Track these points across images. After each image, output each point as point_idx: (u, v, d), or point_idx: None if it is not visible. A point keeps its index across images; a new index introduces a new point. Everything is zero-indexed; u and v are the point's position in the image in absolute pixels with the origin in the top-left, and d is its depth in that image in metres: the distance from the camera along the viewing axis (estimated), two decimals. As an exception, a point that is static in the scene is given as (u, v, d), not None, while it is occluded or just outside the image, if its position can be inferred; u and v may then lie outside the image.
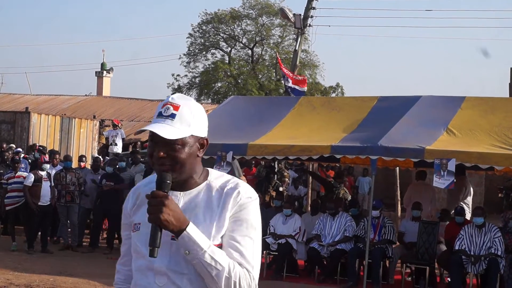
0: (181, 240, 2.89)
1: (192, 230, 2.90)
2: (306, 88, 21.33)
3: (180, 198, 3.06)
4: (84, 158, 17.57)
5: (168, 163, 3.00)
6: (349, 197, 16.67)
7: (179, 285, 2.98)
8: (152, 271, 3.02)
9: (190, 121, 3.05)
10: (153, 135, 2.99)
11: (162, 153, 2.99)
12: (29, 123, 23.48)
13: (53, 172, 16.00)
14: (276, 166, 18.20)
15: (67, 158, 16.86)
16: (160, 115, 3.03)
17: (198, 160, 3.10)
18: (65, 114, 28.53)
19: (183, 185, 3.08)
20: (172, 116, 3.02)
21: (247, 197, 3.04)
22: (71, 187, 15.94)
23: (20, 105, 33.19)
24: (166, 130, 2.98)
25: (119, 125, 25.45)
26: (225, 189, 3.06)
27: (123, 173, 16.54)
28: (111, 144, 24.11)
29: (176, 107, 3.04)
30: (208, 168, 3.19)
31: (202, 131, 3.10)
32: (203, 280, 2.96)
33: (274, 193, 18.26)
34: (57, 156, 17.59)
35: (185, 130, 3.02)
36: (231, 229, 3.01)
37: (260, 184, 18.56)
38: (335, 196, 15.58)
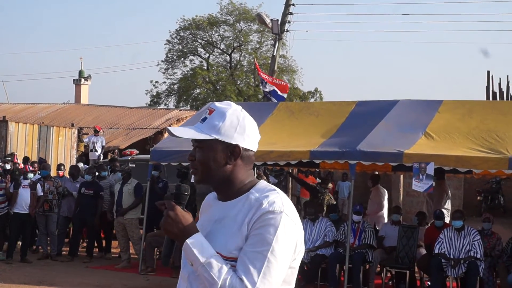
0: (183, 250, 2.92)
1: (194, 241, 2.89)
2: (286, 94, 21.30)
3: (220, 208, 3.06)
4: (62, 167, 17.48)
5: (195, 167, 3.04)
6: (334, 202, 16.70)
7: None
8: (182, 279, 3.07)
9: (219, 125, 3.01)
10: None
11: (190, 156, 3.05)
12: (6, 132, 23.29)
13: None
14: (254, 172, 18.16)
15: (45, 167, 16.76)
16: (204, 119, 3.05)
17: (231, 169, 3.04)
18: (43, 123, 28.33)
19: (224, 195, 3.06)
20: (204, 119, 3.04)
21: (269, 211, 2.88)
22: (49, 195, 15.84)
23: (-3, 114, 32.92)
24: (184, 131, 3.02)
25: (101, 131, 25.34)
26: (254, 201, 2.95)
27: (102, 181, 16.47)
28: (91, 150, 24.01)
29: (211, 111, 3.05)
30: (260, 180, 3.12)
31: (234, 138, 3.03)
32: None
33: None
34: (35, 165, 17.50)
35: (208, 132, 3.00)
36: (247, 242, 2.88)
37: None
38: (320, 201, 15.64)
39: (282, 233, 2.85)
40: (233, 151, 3.03)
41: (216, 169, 3.01)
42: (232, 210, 2.97)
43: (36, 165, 17.70)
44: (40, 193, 15.48)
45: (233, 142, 3.03)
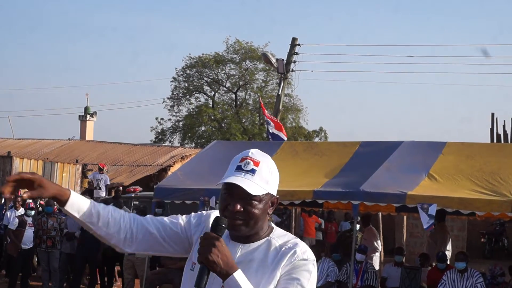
0: (226, 285, 2.92)
1: (239, 276, 2.94)
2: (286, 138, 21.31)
3: (239, 249, 3.12)
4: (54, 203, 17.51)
5: (242, 217, 3.06)
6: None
7: None
8: None
9: (268, 178, 3.13)
10: (231, 188, 3.06)
11: (239, 207, 3.05)
12: (11, 167, 23.39)
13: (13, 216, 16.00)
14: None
15: (48, 203, 16.77)
16: (239, 168, 3.10)
17: (266, 217, 3.16)
18: (47, 158, 28.45)
19: (246, 238, 3.13)
20: (253, 171, 3.10)
21: (302, 258, 3.06)
22: (52, 232, 15.86)
23: (3, 149, 33.04)
24: (249, 185, 3.05)
25: (105, 169, 25.38)
26: (283, 248, 3.08)
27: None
28: (95, 188, 24.02)
29: (257, 163, 3.13)
30: (274, 226, 3.23)
31: (275, 190, 3.17)
32: None
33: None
34: (19, 199, 17.40)
35: (264, 187, 3.09)
36: (282, 285, 3.02)
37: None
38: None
39: (313, 279, 3.06)
40: (274, 203, 3.18)
41: (263, 220, 3.13)
42: (258, 253, 3.08)
43: (19, 199, 17.64)
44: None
45: (275, 194, 3.17)
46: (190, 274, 3.15)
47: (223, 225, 3.01)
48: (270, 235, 3.15)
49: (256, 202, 3.06)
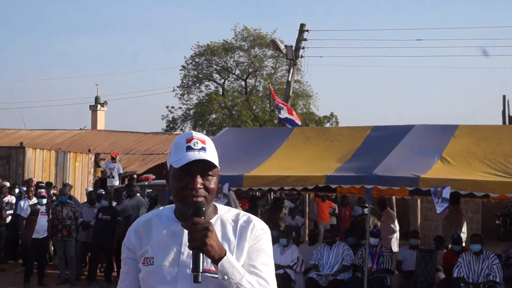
0: (221, 267, 2.97)
1: (230, 256, 3.01)
2: (300, 123, 21.33)
3: None
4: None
5: (203, 194, 3.12)
6: (379, 223, 16.59)
7: None
8: None
9: (215, 155, 3.20)
10: (187, 167, 3.08)
11: (200, 183, 3.10)
12: (24, 158, 23.48)
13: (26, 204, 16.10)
14: (271, 195, 18.21)
15: (63, 192, 16.88)
16: (190, 148, 3.13)
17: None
18: (60, 148, 28.54)
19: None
20: (204, 149, 3.15)
21: (261, 229, 3.21)
22: (67, 221, 15.97)
23: (15, 140, 33.19)
24: (211, 159, 3.12)
25: (118, 158, 25.45)
26: (239, 222, 3.21)
27: (119, 206, 16.54)
28: (109, 177, 24.09)
29: (203, 141, 3.19)
30: (214, 202, 3.29)
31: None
32: None
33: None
34: (32, 189, 17.47)
35: (217, 162, 3.17)
36: (251, 258, 3.14)
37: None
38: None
39: (271, 246, 3.25)
40: (219, 176, 3.24)
41: (214, 196, 3.22)
42: (216, 231, 3.07)
43: (32, 189, 17.76)
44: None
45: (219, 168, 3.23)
46: (149, 269, 3.15)
47: (204, 209, 3.06)
48: (218, 212, 3.23)
49: (212, 177, 3.14)
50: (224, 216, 3.21)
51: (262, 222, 3.25)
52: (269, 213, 17.91)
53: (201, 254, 2.94)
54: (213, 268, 3.00)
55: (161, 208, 3.36)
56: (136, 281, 3.24)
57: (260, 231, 3.20)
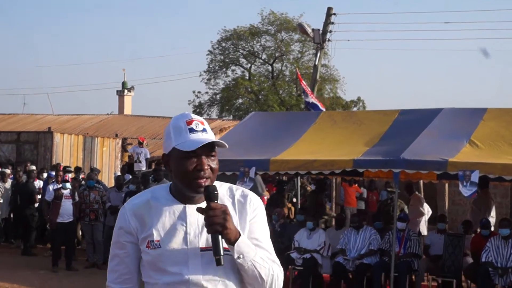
0: (237, 247, 3.02)
1: (244, 237, 3.08)
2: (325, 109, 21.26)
3: (194, 210, 3.16)
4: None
5: (208, 175, 3.13)
6: (405, 207, 16.49)
7: None
8: (185, 285, 3.10)
9: (213, 134, 3.22)
10: (194, 150, 3.09)
11: (206, 166, 3.12)
12: (52, 142, 23.63)
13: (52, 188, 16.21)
14: (298, 180, 18.15)
15: (90, 177, 16.98)
16: (193, 130, 3.14)
17: None
18: (87, 133, 28.68)
19: (195, 198, 3.19)
20: (205, 130, 3.17)
21: (257, 202, 3.27)
22: (94, 205, 16.07)
23: (43, 125, 33.40)
24: (223, 142, 3.15)
25: (145, 142, 25.53)
26: (235, 197, 3.25)
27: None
28: (136, 161, 24.18)
29: (202, 123, 3.20)
30: (239, 185, 3.30)
31: None
32: (234, 283, 3.13)
33: (289, 205, 18.26)
34: (60, 173, 17.52)
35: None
36: (251, 231, 3.20)
37: (274, 198, 18.38)
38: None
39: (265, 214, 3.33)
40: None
41: None
42: None
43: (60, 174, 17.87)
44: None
45: None
46: (157, 252, 3.14)
47: (216, 192, 3.07)
48: None
49: (215, 158, 3.17)
50: (220, 192, 3.17)
51: (254, 193, 3.30)
52: (312, 195, 17.84)
53: (220, 237, 2.97)
54: (225, 245, 3.03)
55: (151, 188, 3.35)
56: (135, 264, 3.25)
57: (256, 203, 3.25)
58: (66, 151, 24.18)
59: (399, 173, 12.42)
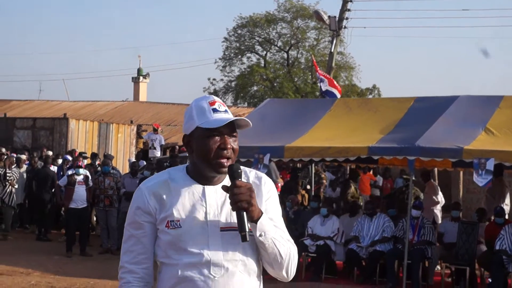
0: (260, 224, 3.09)
1: (265, 214, 3.14)
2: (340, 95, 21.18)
3: (216, 191, 3.21)
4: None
5: (230, 156, 3.18)
6: (421, 194, 16.47)
7: (234, 272, 3.14)
8: (206, 265, 3.13)
9: None
10: (217, 129, 3.14)
11: (229, 145, 3.17)
12: (67, 129, 23.74)
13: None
14: (312, 168, 18.14)
15: (105, 163, 17.02)
16: (216, 111, 3.19)
17: None
18: (102, 120, 28.78)
19: (214, 179, 3.23)
20: (227, 111, 3.24)
21: (270, 183, 3.32)
22: (109, 191, 16.11)
23: (58, 111, 33.52)
24: (247, 120, 3.22)
25: (159, 129, 25.57)
26: (250, 179, 3.28)
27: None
28: (150, 148, 24.24)
29: (224, 104, 3.27)
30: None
31: None
32: (253, 262, 3.19)
33: (303, 192, 18.25)
34: (80, 158, 17.59)
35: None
36: (267, 211, 3.21)
37: (288, 185, 18.35)
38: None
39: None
40: None
41: None
42: None
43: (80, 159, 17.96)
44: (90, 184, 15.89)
45: None
46: (177, 232, 3.15)
47: (240, 170, 3.14)
48: None
49: (236, 138, 3.23)
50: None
51: (267, 177, 3.35)
52: (345, 185, 17.85)
53: (244, 214, 3.03)
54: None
55: (166, 170, 3.37)
56: (152, 244, 3.26)
57: (270, 184, 3.30)
58: (81, 137, 24.28)
59: (413, 160, 12.38)
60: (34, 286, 11.95)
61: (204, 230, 3.14)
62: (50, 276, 12.93)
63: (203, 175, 3.21)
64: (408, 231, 12.83)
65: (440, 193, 15.92)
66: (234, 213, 3.09)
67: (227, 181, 3.19)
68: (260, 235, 3.08)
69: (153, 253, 3.27)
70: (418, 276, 12.68)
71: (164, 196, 3.20)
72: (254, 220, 3.07)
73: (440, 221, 15.12)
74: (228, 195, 3.11)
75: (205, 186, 3.20)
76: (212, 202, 3.18)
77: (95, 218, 18.01)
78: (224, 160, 3.14)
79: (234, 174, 3.10)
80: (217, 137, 3.15)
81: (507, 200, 14.45)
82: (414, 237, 13.03)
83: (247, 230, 3.02)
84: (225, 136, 3.16)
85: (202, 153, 3.16)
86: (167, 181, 3.24)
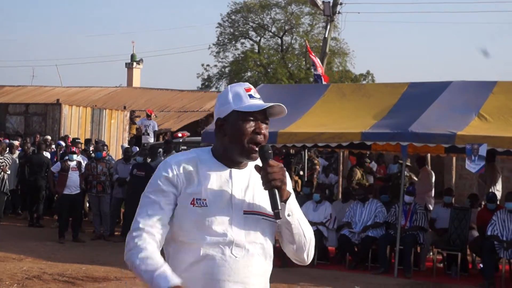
0: (288, 204, 3.22)
1: (292, 194, 3.28)
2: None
3: (241, 174, 3.30)
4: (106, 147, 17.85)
5: (262, 141, 3.26)
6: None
7: (253, 253, 3.22)
8: (228, 245, 3.19)
9: None
10: (253, 114, 3.23)
11: (264, 130, 3.26)
12: (60, 114, 23.66)
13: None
14: (305, 153, 18.12)
15: (98, 149, 16.97)
16: (252, 97, 3.28)
17: None
18: (95, 106, 28.69)
19: (241, 163, 3.31)
20: (261, 99, 3.31)
21: (285, 170, 3.32)
22: (102, 177, 16.07)
23: (51, 97, 33.39)
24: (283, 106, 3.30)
25: (153, 115, 25.51)
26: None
27: (154, 163, 16.58)
28: (144, 134, 24.19)
29: (258, 92, 3.34)
30: None
31: None
32: (270, 247, 3.30)
33: (296, 178, 18.24)
34: (78, 145, 17.59)
35: None
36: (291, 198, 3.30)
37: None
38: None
39: None
40: None
41: None
42: (256, 175, 3.25)
43: (79, 146, 17.97)
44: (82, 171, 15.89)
45: None
46: (203, 210, 3.17)
47: (270, 151, 3.21)
48: None
49: (267, 126, 3.30)
50: (256, 162, 3.29)
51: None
52: (351, 170, 17.84)
53: (277, 193, 3.12)
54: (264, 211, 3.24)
55: (193, 150, 3.39)
56: (170, 216, 3.25)
57: (286, 172, 3.29)
58: (74, 123, 24.20)
59: (406, 146, 12.39)
60: (26, 272, 11.92)
61: (229, 211, 3.21)
62: (42, 262, 12.90)
63: (232, 159, 3.28)
64: (401, 217, 12.84)
65: (433, 178, 15.93)
66: (257, 198, 3.23)
67: (250, 167, 3.29)
68: (289, 215, 3.21)
69: (167, 226, 3.23)
70: (410, 261, 12.72)
71: (192, 172, 3.24)
72: (283, 200, 3.17)
73: (432, 207, 15.14)
74: (251, 180, 3.26)
75: (232, 169, 3.28)
76: (238, 185, 3.26)
77: (87, 204, 17.97)
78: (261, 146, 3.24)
79: (265, 155, 3.19)
80: (252, 122, 3.23)
81: (499, 186, 14.45)
82: (406, 223, 13.05)
83: (279, 208, 3.12)
84: (259, 121, 3.24)
85: (236, 137, 3.24)
86: (196, 159, 3.29)
